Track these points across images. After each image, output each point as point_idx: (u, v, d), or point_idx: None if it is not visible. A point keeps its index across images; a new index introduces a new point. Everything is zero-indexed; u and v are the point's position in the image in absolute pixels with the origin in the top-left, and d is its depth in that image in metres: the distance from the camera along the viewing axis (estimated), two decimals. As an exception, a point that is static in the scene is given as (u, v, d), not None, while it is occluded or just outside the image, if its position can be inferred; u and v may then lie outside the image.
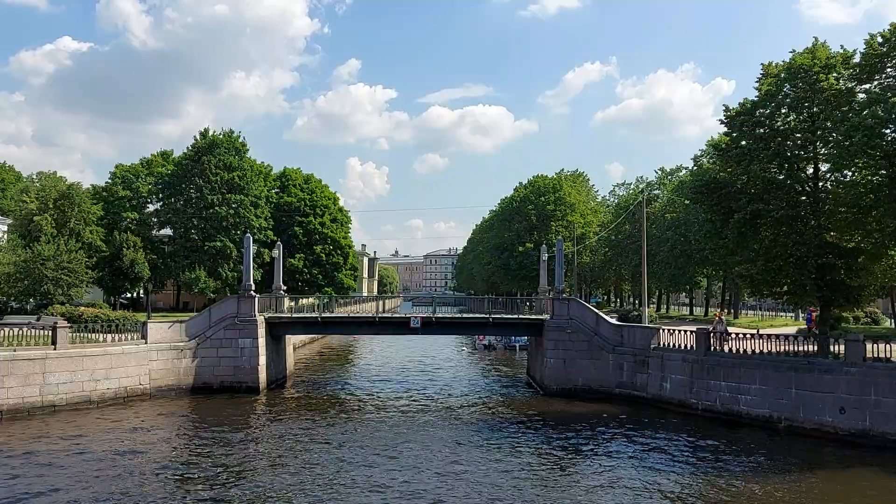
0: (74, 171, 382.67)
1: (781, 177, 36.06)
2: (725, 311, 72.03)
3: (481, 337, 71.53)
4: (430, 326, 45.11)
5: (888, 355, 29.58)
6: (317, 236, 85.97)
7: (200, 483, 22.93)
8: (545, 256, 51.25)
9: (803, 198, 35.50)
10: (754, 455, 27.21)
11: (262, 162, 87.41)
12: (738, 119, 36.62)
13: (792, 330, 45.45)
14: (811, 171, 35.92)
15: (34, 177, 74.86)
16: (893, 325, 54.05)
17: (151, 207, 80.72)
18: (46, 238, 57.92)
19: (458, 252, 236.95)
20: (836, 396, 29.74)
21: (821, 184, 35.65)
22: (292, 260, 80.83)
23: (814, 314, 41.51)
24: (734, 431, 31.40)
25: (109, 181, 78.98)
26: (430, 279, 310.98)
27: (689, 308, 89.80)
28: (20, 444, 27.50)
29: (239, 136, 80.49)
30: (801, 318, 61.41)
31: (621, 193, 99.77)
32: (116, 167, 79.83)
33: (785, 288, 35.80)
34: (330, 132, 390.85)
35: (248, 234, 49.96)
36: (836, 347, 31.79)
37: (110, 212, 74.03)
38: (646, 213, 59.11)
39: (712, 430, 31.76)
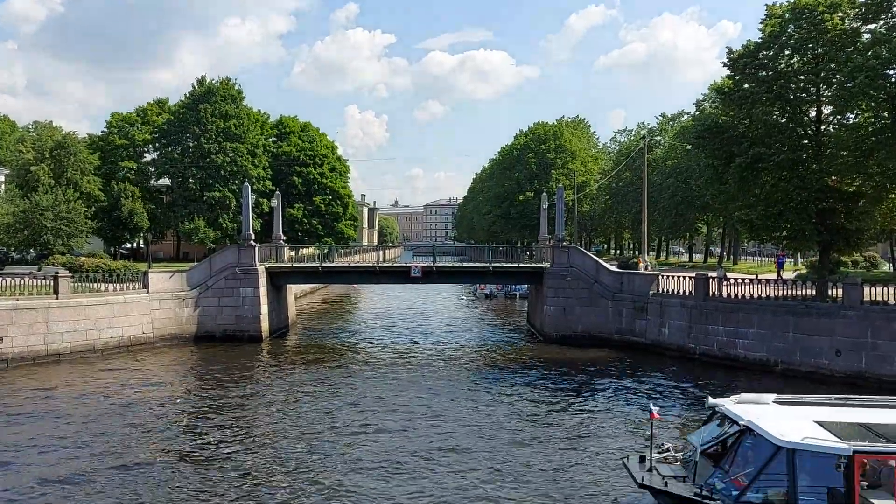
0: (70, 121, 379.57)
1: (784, 120, 35.69)
2: (725, 256, 72.21)
3: (482, 286, 71.90)
4: (431, 275, 45.28)
5: (886, 298, 29.77)
6: (316, 186, 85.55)
7: (205, 430, 23.29)
8: (545, 205, 51.12)
9: (805, 141, 35.21)
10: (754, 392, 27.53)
11: (259, 110, 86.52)
12: (741, 62, 36.04)
13: (790, 275, 45.59)
14: (813, 114, 35.54)
15: (30, 127, 73.99)
16: (892, 269, 54.21)
17: (148, 157, 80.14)
18: (44, 188, 57.69)
19: (459, 202, 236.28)
20: (833, 339, 30.04)
21: (823, 127, 35.30)
22: (291, 210, 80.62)
23: (784, 260, 41.72)
24: (731, 374, 31.79)
25: (105, 130, 78.24)
26: (431, 229, 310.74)
27: (688, 255, 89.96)
28: (26, 392, 27.89)
29: (235, 84, 79.41)
30: (799, 263, 61.60)
31: (622, 140, 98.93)
32: (112, 116, 78.98)
33: (784, 233, 35.77)
34: (328, 79, 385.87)
35: (247, 184, 49.70)
36: (834, 291, 31.96)
37: (107, 161, 73.53)
38: (647, 160, 58.69)
39: (709, 373, 32.18)
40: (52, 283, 35.25)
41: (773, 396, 16.19)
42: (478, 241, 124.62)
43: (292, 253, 51.71)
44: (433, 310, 62.26)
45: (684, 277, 38.78)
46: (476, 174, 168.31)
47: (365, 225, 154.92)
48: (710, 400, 16.31)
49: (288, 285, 48.73)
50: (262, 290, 42.65)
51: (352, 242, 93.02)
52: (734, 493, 13.66)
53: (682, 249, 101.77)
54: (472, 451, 20.78)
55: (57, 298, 34.70)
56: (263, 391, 29.27)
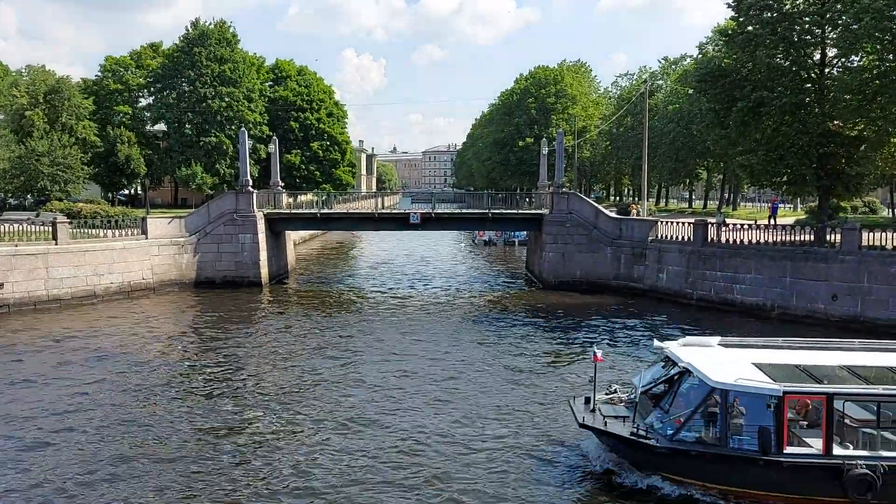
0: (63, 65, 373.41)
1: (787, 63, 35.16)
2: (725, 203, 72.08)
3: (481, 233, 71.94)
4: (430, 222, 45.25)
5: (883, 243, 29.83)
6: (313, 132, 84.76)
7: (206, 372, 23.60)
8: (545, 150, 50.73)
9: (808, 85, 34.78)
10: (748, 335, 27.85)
11: (255, 54, 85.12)
12: (745, 2, 35.32)
13: (790, 220, 45.59)
14: (818, 56, 35.00)
15: (23, 71, 72.76)
16: (890, 215, 54.21)
17: (144, 102, 79.16)
18: (39, 133, 57.14)
19: (458, 148, 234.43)
20: (830, 284, 30.23)
21: (826, 70, 34.81)
22: (289, 156, 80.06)
23: (778, 206, 41.64)
24: (727, 318, 32.09)
25: (99, 75, 77.07)
26: (429, 176, 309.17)
27: (688, 202, 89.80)
28: (28, 337, 28.20)
29: (230, 27, 77.85)
30: (799, 209, 61.57)
31: (624, 84, 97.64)
32: (106, 59, 77.68)
33: (785, 178, 35.64)
34: (324, 22, 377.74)
35: (243, 129, 49.21)
36: (833, 237, 32.00)
37: (102, 106, 72.65)
38: (648, 105, 58.02)
39: (705, 317, 32.46)
40: (50, 229, 35.23)
41: (718, 339, 16.46)
42: (477, 188, 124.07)
43: (290, 199, 51.54)
44: (432, 257, 62.43)
45: (683, 223, 38.80)
46: (475, 120, 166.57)
47: (363, 171, 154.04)
48: (657, 343, 16.59)
49: (287, 232, 48.75)
50: (261, 237, 42.67)
51: (350, 189, 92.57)
52: (669, 431, 14.01)
53: (684, 193, 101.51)
54: (456, 391, 21.13)
55: (56, 244, 34.73)
56: (264, 336, 29.55)
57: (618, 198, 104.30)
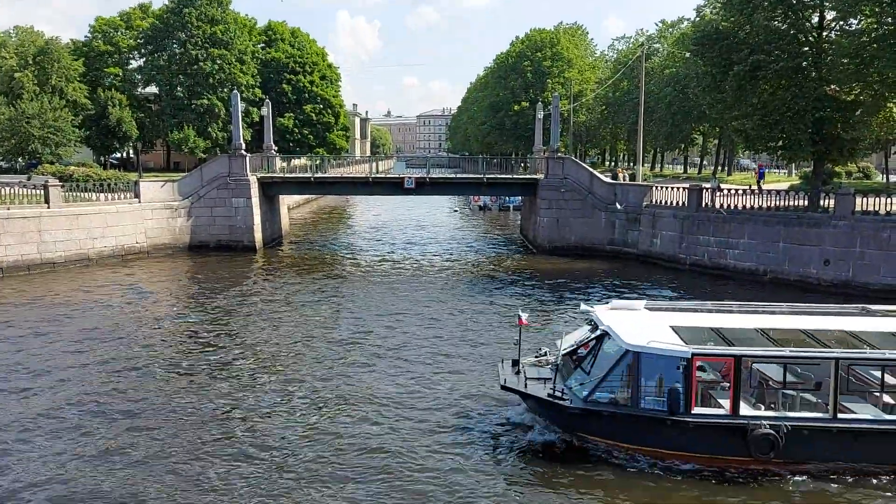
0: (52, 27, 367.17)
1: (784, 27, 34.76)
2: (720, 168, 71.98)
3: (476, 198, 71.79)
4: (424, 187, 45.08)
5: (876, 209, 29.92)
6: (306, 95, 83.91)
7: (200, 336, 23.70)
8: (541, 114, 50.40)
9: (805, 49, 34.44)
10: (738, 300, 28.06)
11: (247, 15, 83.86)
12: (744, -36, 34.74)
13: (784, 186, 45.63)
14: (816, 19, 34.60)
15: (11, 32, 71.57)
16: (884, 180, 54.31)
17: (134, 64, 78.18)
18: (29, 96, 56.48)
19: (452, 112, 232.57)
20: (822, 249, 30.39)
21: (824, 34, 34.46)
22: (282, 119, 79.36)
23: (765, 171, 41.64)
24: (719, 282, 32.29)
25: (89, 36, 75.95)
26: (424, 140, 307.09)
27: (682, 167, 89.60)
28: (21, 299, 28.21)
29: (221, -14, 76.53)
30: (794, 175, 61.59)
31: (620, 48, 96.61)
32: (96, 20, 76.52)
33: (780, 143, 35.54)
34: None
35: (236, 91, 48.70)
36: (827, 202, 32.07)
37: (92, 68, 71.73)
38: (645, 68, 57.51)
39: (697, 282, 32.67)
40: (42, 193, 35.01)
41: (644, 303, 16.68)
42: (472, 153, 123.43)
43: (284, 164, 51.31)
44: (426, 222, 62.38)
45: (678, 188, 38.78)
46: (470, 83, 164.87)
47: (357, 136, 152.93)
48: (583, 306, 16.77)
49: (280, 196, 48.56)
50: (255, 201, 42.51)
51: (344, 153, 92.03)
52: (584, 392, 14.24)
53: (679, 159, 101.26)
54: (428, 354, 21.38)
55: (49, 208, 34.55)
56: (258, 299, 29.60)
57: (613, 163, 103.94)
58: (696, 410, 13.54)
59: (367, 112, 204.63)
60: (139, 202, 39.22)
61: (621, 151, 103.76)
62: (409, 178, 45.09)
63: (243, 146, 43.64)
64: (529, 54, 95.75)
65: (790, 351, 13.73)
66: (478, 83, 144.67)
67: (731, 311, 16.28)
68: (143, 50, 76.03)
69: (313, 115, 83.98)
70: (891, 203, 29.87)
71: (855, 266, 29.39)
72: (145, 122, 74.24)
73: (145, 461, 14.17)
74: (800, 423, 13.40)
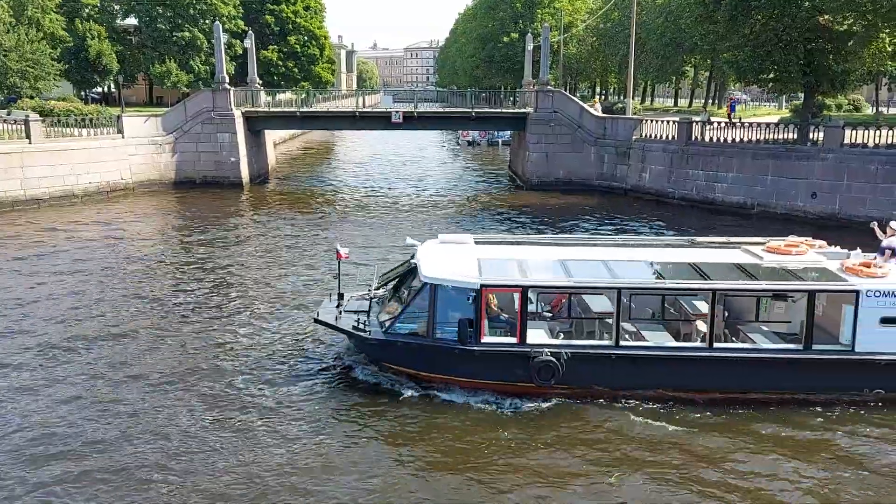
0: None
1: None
2: (710, 101, 71.42)
3: (464, 133, 71.11)
4: (412, 121, 44.45)
5: (865, 141, 29.90)
6: (290, 26, 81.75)
7: (188, 273, 23.69)
8: (530, 46, 49.43)
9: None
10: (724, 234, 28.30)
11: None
12: None
13: (774, 119, 45.43)
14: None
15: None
16: (874, 112, 54.16)
17: (112, -6, 75.61)
18: (5, 28, 54.71)
19: (441, 45, 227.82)
20: (810, 182, 30.49)
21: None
22: (265, 52, 77.48)
23: (736, 104, 41.63)
24: (707, 217, 32.41)
25: (63, -35, 73.05)
26: (411, 74, 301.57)
27: (673, 100, 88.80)
28: (4, 235, 27.99)
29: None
30: (784, 108, 61.26)
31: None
32: (69, -52, 73.47)
33: (771, 74, 35.22)
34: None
35: (217, 23, 47.38)
36: (816, 135, 31.99)
37: None
38: (636, -1, 56.25)
39: (685, 216, 32.79)
40: (23, 128, 34.33)
41: (473, 237, 16.66)
42: (460, 87, 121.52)
43: (269, 98, 50.39)
44: (414, 157, 61.91)
45: (668, 122, 38.49)
46: (459, 14, 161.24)
47: (343, 69, 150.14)
48: (408, 240, 16.71)
49: (266, 131, 47.88)
50: (240, 136, 41.92)
51: (330, 87, 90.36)
52: (386, 324, 14.52)
53: (670, 91, 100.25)
54: None
55: (31, 143, 33.95)
56: (246, 235, 29.53)
57: (603, 96, 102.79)
58: (486, 340, 13.84)
59: (352, 44, 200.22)
60: (122, 137, 38.58)
61: (612, 84, 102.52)
62: (397, 112, 44.46)
63: (227, 80, 42.75)
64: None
65: (574, 281, 13.97)
66: (466, 13, 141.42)
67: (553, 245, 16.36)
68: (120, -21, 73.48)
69: (298, 47, 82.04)
70: (879, 135, 29.82)
71: (842, 199, 29.54)
72: (126, 56, 72.36)
73: (120, 400, 14.14)
74: (580, 351, 13.77)
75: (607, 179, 40.41)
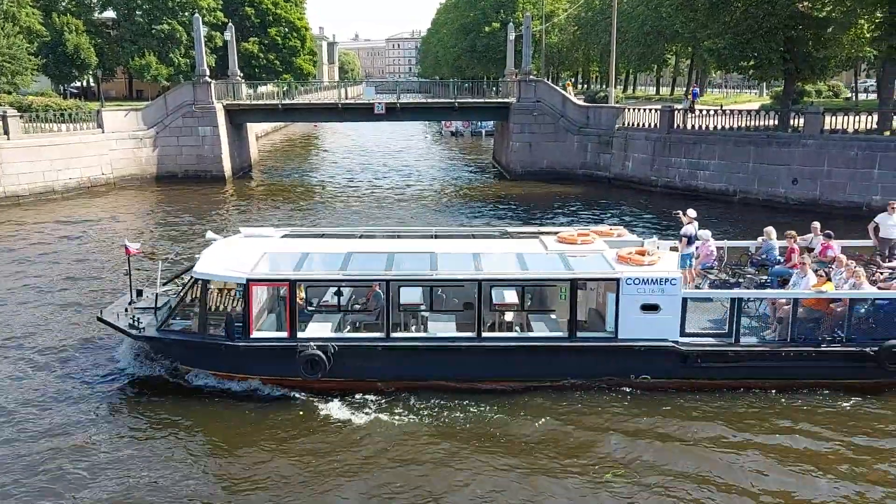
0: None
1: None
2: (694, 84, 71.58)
3: (447, 124, 70.97)
4: (395, 112, 44.33)
5: (845, 127, 30.19)
6: (270, 17, 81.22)
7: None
8: (512, 35, 49.39)
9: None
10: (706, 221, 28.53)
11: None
12: None
13: (755, 106, 45.69)
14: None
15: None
16: (854, 98, 54.65)
17: (88, -13, 74.61)
18: (-21, 23, 53.91)
19: (422, 35, 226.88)
20: (791, 168, 30.76)
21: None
22: (246, 45, 76.94)
23: (698, 91, 41.76)
24: (689, 204, 32.34)
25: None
26: (394, 65, 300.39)
27: (655, 88, 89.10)
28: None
29: None
30: (765, 94, 61.62)
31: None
32: (44, -60, 72.38)
33: (752, 62, 35.44)
34: None
35: (197, 15, 46.91)
36: (797, 121, 32.24)
37: (45, -8, 68.36)
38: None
39: (668, 204, 32.86)
40: (1, 124, 33.88)
41: (282, 231, 16.39)
42: (443, 77, 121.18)
43: (250, 91, 50.05)
44: (398, 148, 61.76)
45: (650, 110, 38.64)
46: (440, 3, 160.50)
47: (324, 60, 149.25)
48: (209, 234, 16.37)
49: (248, 124, 47.57)
50: (222, 129, 41.63)
51: (312, 79, 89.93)
52: (161, 320, 14.22)
53: (652, 78, 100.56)
54: None
55: (9, 139, 33.55)
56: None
57: (585, 85, 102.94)
58: (255, 335, 13.64)
59: (334, 36, 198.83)
60: (102, 132, 38.20)
61: (594, 74, 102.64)
62: (379, 103, 44.33)
63: (207, 72, 42.42)
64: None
65: (343, 274, 13.77)
66: (448, 3, 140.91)
67: (357, 237, 15.91)
68: (96, -29, 72.54)
69: (278, 38, 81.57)
70: (858, 121, 30.12)
71: (822, 184, 29.84)
72: (104, 49, 71.45)
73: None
74: (348, 344, 13.55)
75: (591, 168, 40.54)
